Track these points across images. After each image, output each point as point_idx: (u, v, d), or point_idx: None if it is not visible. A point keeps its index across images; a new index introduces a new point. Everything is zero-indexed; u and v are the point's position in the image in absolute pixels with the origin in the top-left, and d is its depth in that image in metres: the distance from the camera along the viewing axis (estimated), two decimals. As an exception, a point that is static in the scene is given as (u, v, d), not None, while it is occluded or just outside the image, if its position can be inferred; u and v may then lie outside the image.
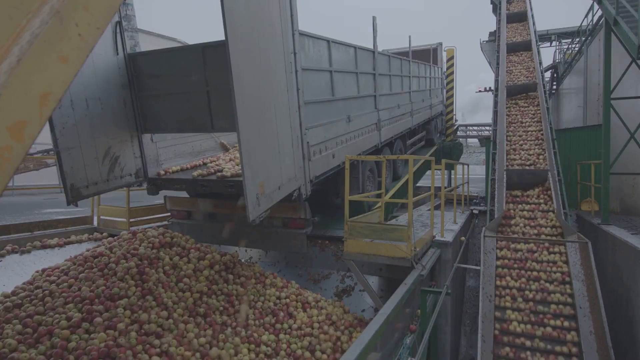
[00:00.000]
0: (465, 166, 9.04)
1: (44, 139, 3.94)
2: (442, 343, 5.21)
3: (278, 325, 4.17)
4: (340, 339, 4.17)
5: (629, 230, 6.18)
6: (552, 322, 4.62)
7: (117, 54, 4.83)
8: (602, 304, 4.50)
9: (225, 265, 4.77)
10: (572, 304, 4.73)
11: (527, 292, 5.00)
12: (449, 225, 6.40)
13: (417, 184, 10.87)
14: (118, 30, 4.81)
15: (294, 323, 4.24)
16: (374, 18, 7.06)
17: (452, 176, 9.08)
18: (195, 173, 5.12)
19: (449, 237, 5.47)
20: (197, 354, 3.44)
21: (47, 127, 3.98)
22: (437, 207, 7.62)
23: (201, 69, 4.62)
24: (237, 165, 5.37)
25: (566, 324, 4.57)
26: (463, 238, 6.66)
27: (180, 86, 4.83)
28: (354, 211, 4.86)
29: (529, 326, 4.63)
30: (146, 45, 5.35)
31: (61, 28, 1.19)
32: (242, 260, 5.35)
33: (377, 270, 5.05)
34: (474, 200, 9.91)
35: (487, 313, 4.82)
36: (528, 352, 4.41)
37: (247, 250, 6.22)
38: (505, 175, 6.94)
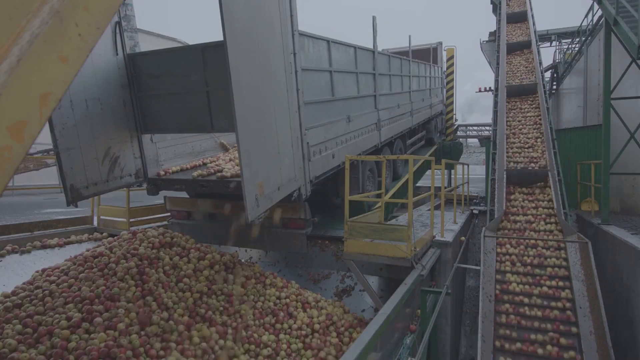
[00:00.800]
0: (465, 166, 9.05)
1: (44, 139, 3.93)
2: (442, 343, 5.21)
3: (278, 325, 4.16)
4: (342, 341, 4.18)
5: (629, 230, 6.18)
6: (547, 282, 5.00)
7: (117, 54, 4.83)
8: (602, 304, 4.50)
9: (225, 265, 4.77)
10: (567, 266, 5.09)
11: (525, 258, 5.42)
12: (449, 225, 6.40)
13: (417, 184, 10.87)
14: (118, 30, 4.81)
15: (294, 323, 4.24)
16: (373, 18, 7.06)
17: (452, 176, 9.08)
18: (195, 173, 5.12)
19: (449, 237, 5.47)
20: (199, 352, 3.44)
21: (46, 127, 3.98)
22: (437, 207, 7.62)
23: (201, 69, 4.62)
24: (237, 165, 5.36)
25: (560, 283, 4.93)
26: (463, 238, 6.66)
27: (180, 86, 4.83)
28: (354, 211, 4.86)
29: (527, 286, 5.02)
30: (146, 45, 5.35)
31: (61, 28, 1.19)
32: (242, 260, 5.35)
33: (377, 270, 5.05)
34: (474, 200, 9.91)
35: (487, 313, 4.82)
36: (526, 307, 4.80)
37: (247, 250, 6.22)
38: (505, 175, 6.94)
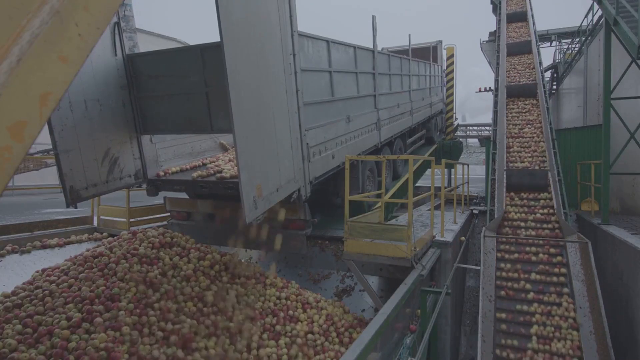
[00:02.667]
0: (465, 166, 9.05)
1: (44, 139, 3.93)
2: (442, 343, 5.21)
3: (278, 327, 4.14)
4: (342, 341, 4.18)
5: (629, 230, 6.18)
6: (547, 282, 5.12)
7: (116, 55, 4.82)
8: (602, 304, 4.50)
9: (225, 265, 4.76)
10: (567, 266, 5.19)
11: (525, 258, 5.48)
12: (449, 225, 6.40)
13: (417, 184, 10.87)
14: (116, 31, 4.80)
15: (295, 328, 4.20)
16: (373, 17, 7.05)
17: (452, 176, 9.08)
18: (194, 174, 5.12)
19: (449, 237, 5.47)
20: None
21: (46, 127, 3.98)
22: (437, 207, 7.62)
23: (200, 70, 4.61)
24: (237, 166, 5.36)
25: (561, 283, 5.05)
26: (463, 238, 6.66)
27: (179, 87, 4.82)
28: (354, 211, 4.86)
29: (526, 286, 5.13)
30: (146, 45, 5.35)
31: (61, 28, 1.19)
32: (242, 260, 5.35)
33: (377, 270, 5.05)
34: (474, 200, 9.91)
35: (487, 313, 4.82)
36: (522, 229, 5.69)
37: (247, 250, 6.22)
38: (505, 175, 6.94)
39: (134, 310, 3.62)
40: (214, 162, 6.00)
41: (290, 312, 4.39)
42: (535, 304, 4.86)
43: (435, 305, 4.28)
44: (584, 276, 4.93)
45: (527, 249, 5.60)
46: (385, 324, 3.14)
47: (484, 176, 10.18)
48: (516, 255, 5.55)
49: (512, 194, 6.78)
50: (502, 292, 5.10)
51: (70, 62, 1.22)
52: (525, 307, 4.85)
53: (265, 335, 3.97)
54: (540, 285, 5.09)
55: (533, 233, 5.90)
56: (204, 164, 5.89)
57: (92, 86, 4.52)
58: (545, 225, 6.00)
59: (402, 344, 3.82)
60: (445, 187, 10.62)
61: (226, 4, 3.05)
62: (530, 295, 4.98)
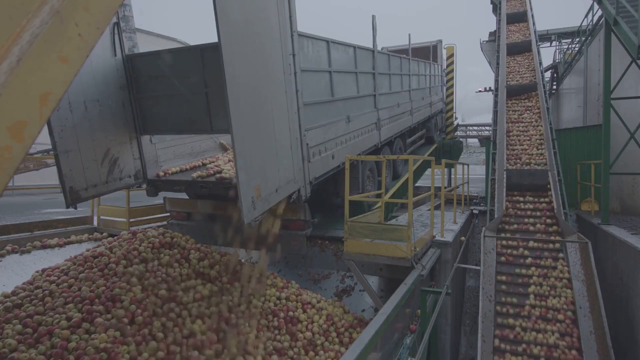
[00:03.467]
0: (465, 166, 9.05)
1: (44, 139, 3.93)
2: (442, 343, 5.21)
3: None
4: (342, 341, 4.17)
5: (629, 230, 6.18)
6: (547, 282, 5.14)
7: (115, 55, 4.81)
8: (602, 304, 4.50)
9: (225, 265, 4.77)
10: (567, 266, 5.21)
11: (524, 258, 5.53)
12: (449, 225, 6.40)
13: (417, 184, 10.86)
14: (116, 31, 4.80)
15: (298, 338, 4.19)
16: (373, 17, 7.05)
17: (452, 176, 9.07)
18: (194, 174, 5.11)
19: (449, 237, 5.47)
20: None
21: (46, 128, 3.98)
22: (437, 207, 7.62)
23: (200, 70, 4.60)
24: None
25: (560, 283, 5.07)
26: (463, 238, 6.66)
27: (179, 87, 4.81)
28: (354, 211, 4.86)
29: (526, 286, 5.18)
30: (146, 45, 5.34)
31: (61, 28, 1.19)
32: (242, 260, 5.35)
33: (377, 270, 5.05)
34: (474, 200, 9.91)
35: (487, 313, 4.82)
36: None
37: (247, 250, 6.21)
38: (505, 175, 6.94)
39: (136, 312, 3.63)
40: (214, 162, 6.00)
41: (290, 312, 4.39)
42: (533, 268, 5.22)
43: (435, 305, 4.28)
44: (584, 276, 4.93)
45: (527, 250, 5.60)
46: (385, 324, 3.14)
47: (484, 176, 10.18)
48: (516, 255, 5.56)
49: (512, 194, 6.79)
50: (502, 258, 5.46)
51: (70, 62, 1.22)
52: (524, 308, 4.86)
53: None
54: (537, 251, 5.50)
55: (533, 234, 5.90)
56: (204, 164, 5.89)
57: (92, 87, 4.52)
58: (545, 224, 6.00)
59: (402, 344, 3.82)
60: (445, 187, 10.62)
61: (224, 5, 3.04)
62: (529, 260, 5.34)
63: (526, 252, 5.56)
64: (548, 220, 6.09)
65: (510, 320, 4.74)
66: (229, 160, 5.95)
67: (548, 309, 4.78)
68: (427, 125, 11.82)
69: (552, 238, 5.72)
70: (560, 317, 4.66)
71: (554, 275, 5.15)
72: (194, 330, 3.65)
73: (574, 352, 4.32)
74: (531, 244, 5.64)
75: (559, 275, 5.15)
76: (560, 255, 5.35)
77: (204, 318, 3.87)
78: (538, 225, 6.03)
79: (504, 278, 5.14)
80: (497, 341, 4.57)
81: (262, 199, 3.57)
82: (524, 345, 4.48)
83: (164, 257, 4.49)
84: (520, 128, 8.23)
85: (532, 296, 4.95)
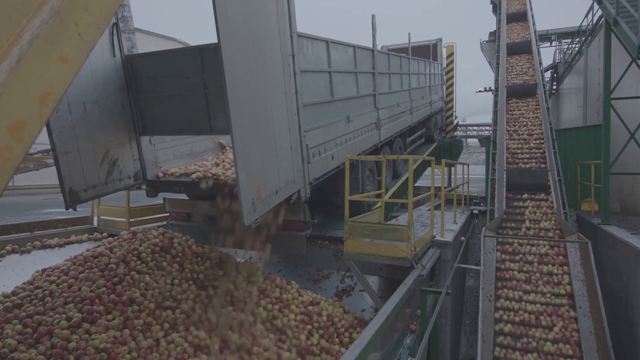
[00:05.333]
0: (465, 166, 9.05)
1: (44, 139, 3.93)
2: (442, 343, 5.21)
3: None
4: (342, 341, 4.17)
5: (629, 230, 6.18)
6: (547, 282, 5.17)
7: (114, 56, 4.80)
8: (602, 304, 4.50)
9: (225, 266, 4.76)
10: (567, 266, 5.22)
11: (525, 257, 5.57)
12: (449, 225, 6.40)
13: (417, 184, 10.85)
14: (115, 31, 4.79)
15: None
16: (373, 16, 7.04)
17: (452, 175, 9.07)
18: (194, 175, 5.10)
19: (449, 237, 5.47)
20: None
21: (45, 128, 3.98)
22: (437, 207, 7.61)
23: (199, 71, 4.60)
24: (225, 170, 5.33)
25: (560, 283, 5.08)
26: (463, 238, 6.66)
27: (178, 88, 4.81)
28: (354, 211, 4.86)
29: (526, 286, 5.18)
30: (145, 45, 5.34)
31: (61, 28, 1.19)
32: (243, 261, 5.35)
33: (377, 270, 5.05)
34: (474, 200, 9.90)
35: (487, 313, 4.82)
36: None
37: (247, 250, 6.21)
38: (505, 175, 6.94)
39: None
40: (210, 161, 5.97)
41: (292, 315, 4.39)
42: (533, 268, 5.23)
43: (435, 305, 4.28)
44: (584, 276, 4.93)
45: (527, 250, 5.61)
46: (385, 324, 3.14)
47: (484, 176, 10.17)
48: (516, 255, 5.55)
49: (512, 194, 6.79)
50: (502, 258, 5.51)
51: (70, 62, 1.22)
52: (525, 308, 4.86)
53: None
54: (537, 251, 5.51)
55: (533, 234, 5.90)
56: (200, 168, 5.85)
57: (91, 87, 4.51)
58: (545, 224, 6.00)
59: (402, 344, 3.82)
60: (445, 187, 10.62)
61: (223, 5, 3.04)
62: (529, 259, 5.41)
63: (526, 252, 5.57)
64: (548, 221, 6.09)
65: (511, 320, 4.74)
66: (222, 161, 5.90)
67: (548, 308, 4.78)
68: (427, 124, 11.81)
69: (552, 238, 5.72)
70: (560, 317, 4.67)
71: (554, 276, 5.15)
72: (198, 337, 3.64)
73: (574, 352, 4.33)
74: (531, 244, 5.64)
75: (559, 275, 5.14)
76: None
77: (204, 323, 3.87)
78: (538, 226, 6.03)
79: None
80: (497, 341, 4.58)
81: (262, 200, 3.57)
82: (524, 345, 4.48)
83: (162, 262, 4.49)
84: (521, 128, 8.23)
85: (532, 296, 4.95)
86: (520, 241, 5.73)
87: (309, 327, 4.25)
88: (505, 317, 4.81)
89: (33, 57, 1.11)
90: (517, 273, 5.31)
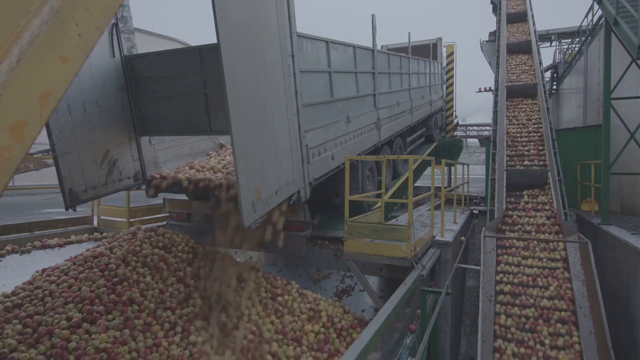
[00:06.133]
0: (465, 166, 9.04)
1: (44, 139, 3.93)
2: (442, 343, 5.21)
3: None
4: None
5: (629, 230, 6.18)
6: (547, 282, 5.15)
7: (114, 56, 4.80)
8: (602, 304, 4.50)
9: (224, 266, 4.76)
10: (567, 266, 5.21)
11: (525, 258, 5.56)
12: (449, 225, 6.40)
13: (417, 184, 10.85)
14: (114, 32, 4.78)
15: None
16: (373, 16, 7.04)
17: (452, 175, 9.07)
18: (183, 176, 5.07)
19: (449, 237, 5.47)
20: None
21: (45, 129, 3.97)
22: (437, 207, 7.61)
23: (199, 71, 4.59)
24: (216, 172, 5.31)
25: (560, 283, 5.08)
26: (463, 238, 6.66)
27: (178, 88, 4.80)
28: (354, 211, 4.86)
29: (526, 287, 5.17)
30: (145, 45, 5.33)
31: (61, 28, 1.19)
32: (243, 261, 5.35)
33: (377, 270, 5.05)
34: (474, 200, 9.90)
35: (487, 313, 4.82)
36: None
37: (247, 250, 6.20)
38: (505, 175, 6.94)
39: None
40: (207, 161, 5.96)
41: (292, 316, 4.39)
42: (533, 268, 5.31)
43: (435, 305, 4.28)
44: (584, 276, 4.93)
45: (527, 250, 5.60)
46: (385, 324, 3.14)
47: (484, 176, 10.18)
48: (516, 255, 5.55)
49: (512, 194, 6.80)
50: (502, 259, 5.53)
51: (70, 62, 1.22)
52: (525, 309, 4.87)
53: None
54: (537, 251, 5.52)
55: (533, 234, 5.90)
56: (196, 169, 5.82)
57: (91, 88, 4.50)
58: (545, 224, 6.00)
59: (402, 344, 3.82)
60: (445, 187, 10.61)
61: (223, 6, 3.03)
62: (528, 260, 5.37)
63: (526, 252, 5.56)
64: (548, 221, 6.09)
65: (510, 321, 4.75)
66: (218, 162, 5.88)
67: (548, 309, 4.78)
68: (427, 123, 11.80)
69: (552, 238, 5.72)
70: (555, 278, 4.90)
71: (554, 276, 5.15)
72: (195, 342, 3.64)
73: (567, 306, 4.60)
74: (531, 244, 5.64)
75: (558, 275, 5.15)
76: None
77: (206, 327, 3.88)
78: (538, 226, 6.03)
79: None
80: (497, 341, 4.58)
81: (262, 201, 3.56)
82: (522, 301, 4.70)
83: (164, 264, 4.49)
84: (520, 128, 8.23)
85: (531, 296, 4.96)
86: (520, 241, 5.73)
87: (309, 327, 4.25)
88: (505, 279, 5.19)
89: (33, 57, 1.11)
90: (516, 242, 5.68)
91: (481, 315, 4.79)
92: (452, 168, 9.87)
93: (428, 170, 11.00)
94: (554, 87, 15.96)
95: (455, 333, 6.13)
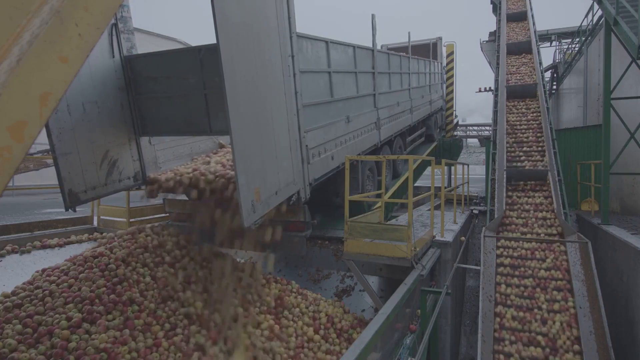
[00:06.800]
0: (465, 166, 9.04)
1: (44, 139, 3.92)
2: (442, 343, 5.21)
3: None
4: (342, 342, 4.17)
5: (629, 230, 6.18)
6: (547, 282, 5.13)
7: (114, 56, 4.79)
8: (602, 304, 4.50)
9: (224, 267, 4.76)
10: (567, 266, 5.22)
11: (524, 259, 5.61)
12: (449, 225, 6.40)
13: (417, 184, 10.84)
14: (114, 32, 4.78)
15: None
16: (372, 16, 7.04)
17: (452, 175, 9.07)
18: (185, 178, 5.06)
19: (449, 237, 5.47)
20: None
21: (44, 129, 3.97)
22: (437, 207, 7.61)
23: (198, 72, 4.59)
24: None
25: (560, 283, 5.05)
26: (463, 238, 6.66)
27: (177, 89, 4.80)
28: (354, 211, 4.86)
29: (527, 287, 5.18)
30: (145, 45, 5.33)
31: (61, 28, 1.19)
32: (242, 261, 5.35)
33: (377, 270, 5.05)
34: (474, 200, 9.90)
35: (487, 313, 4.82)
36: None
37: (247, 250, 6.20)
38: (505, 175, 6.94)
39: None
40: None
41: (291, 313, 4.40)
42: (535, 305, 4.97)
43: (435, 305, 4.28)
44: (584, 276, 4.93)
45: (527, 251, 5.61)
46: (385, 324, 3.14)
47: (484, 176, 10.18)
48: (516, 255, 5.55)
49: (512, 194, 6.80)
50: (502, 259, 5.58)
51: (70, 62, 1.22)
52: (524, 309, 4.88)
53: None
54: (537, 251, 5.59)
55: (533, 234, 5.90)
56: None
57: (90, 88, 4.49)
58: (546, 224, 6.00)
59: (402, 344, 3.82)
60: (445, 187, 10.61)
61: (222, 6, 3.03)
62: (528, 261, 5.41)
63: (526, 253, 5.56)
64: (548, 221, 6.09)
65: (510, 290, 4.92)
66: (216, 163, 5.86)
67: (545, 279, 4.87)
68: (427, 123, 11.80)
69: (552, 238, 5.72)
70: (552, 251, 5.04)
71: (554, 276, 5.15)
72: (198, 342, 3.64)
73: (563, 275, 4.78)
74: (531, 244, 5.63)
75: (558, 275, 5.15)
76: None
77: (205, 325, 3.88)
78: (538, 226, 6.03)
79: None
80: (497, 307, 4.66)
81: (262, 201, 3.55)
82: (521, 272, 4.84)
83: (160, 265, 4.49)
84: (520, 128, 8.23)
85: (531, 296, 4.96)
86: (520, 241, 5.73)
87: (309, 327, 4.25)
88: (505, 253, 5.49)
89: (33, 57, 1.11)
90: (516, 219, 6.01)
91: (481, 315, 4.79)
92: (452, 168, 9.87)
93: (428, 170, 11.00)
94: (554, 87, 15.96)
95: (455, 333, 6.13)
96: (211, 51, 4.42)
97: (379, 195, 6.07)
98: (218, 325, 3.86)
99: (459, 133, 28.63)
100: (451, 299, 5.14)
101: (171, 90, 4.87)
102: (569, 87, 13.89)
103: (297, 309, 4.49)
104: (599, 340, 4.27)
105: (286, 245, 5.21)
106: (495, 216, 6.34)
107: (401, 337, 3.94)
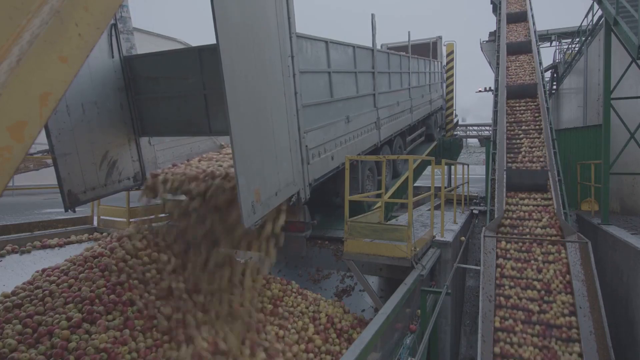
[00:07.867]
0: (465, 166, 9.04)
1: (45, 139, 3.92)
2: (442, 343, 5.21)
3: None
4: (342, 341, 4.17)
5: (629, 230, 6.18)
6: (547, 282, 5.19)
7: (113, 56, 4.79)
8: (602, 304, 4.50)
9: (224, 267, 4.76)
10: (567, 267, 5.30)
11: (525, 258, 5.69)
12: (449, 225, 6.40)
13: (417, 184, 10.84)
14: (113, 32, 4.77)
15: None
16: (372, 15, 7.03)
17: (452, 175, 9.07)
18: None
19: (449, 237, 5.47)
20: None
21: (44, 130, 3.97)
22: (437, 207, 7.61)
23: (198, 72, 4.58)
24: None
25: (560, 284, 5.13)
26: (463, 238, 6.66)
27: (177, 89, 4.79)
28: (354, 211, 4.86)
29: (526, 287, 5.29)
30: (145, 45, 5.34)
31: (61, 28, 1.19)
32: (242, 261, 5.34)
33: (377, 270, 5.05)
34: (474, 200, 9.90)
35: (487, 313, 4.82)
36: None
37: (247, 251, 6.20)
38: (505, 175, 6.94)
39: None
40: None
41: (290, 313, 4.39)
42: (533, 268, 5.36)
43: (435, 305, 4.28)
44: (584, 276, 4.93)
45: (527, 251, 5.61)
46: (385, 324, 3.14)
47: (484, 176, 10.18)
48: (516, 255, 5.56)
49: (512, 193, 6.79)
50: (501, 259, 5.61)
51: (70, 62, 1.23)
52: (525, 309, 4.87)
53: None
54: (537, 251, 5.65)
55: (533, 234, 5.90)
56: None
57: (90, 89, 4.49)
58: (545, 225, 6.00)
59: (402, 344, 3.82)
60: (445, 187, 10.61)
61: (222, 6, 3.03)
62: (529, 261, 5.45)
63: (526, 252, 5.56)
64: (548, 221, 6.09)
65: (509, 246, 5.12)
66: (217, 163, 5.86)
67: (541, 235, 4.91)
68: (427, 122, 11.79)
69: (552, 238, 5.72)
70: (548, 213, 5.19)
71: (554, 276, 5.15)
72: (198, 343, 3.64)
73: (557, 232, 4.98)
74: (531, 244, 5.64)
75: (558, 275, 5.15)
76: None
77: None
78: (538, 226, 6.03)
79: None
80: (497, 342, 4.58)
81: (262, 202, 3.54)
82: (519, 231, 4.99)
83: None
84: (520, 128, 8.23)
85: (531, 296, 4.96)
86: (520, 241, 5.73)
87: (309, 327, 4.25)
88: (505, 254, 5.63)
89: (33, 57, 1.11)
90: (516, 219, 6.13)
91: (481, 315, 4.79)
92: (452, 168, 9.87)
93: (428, 170, 11.00)
94: (554, 87, 15.96)
95: (455, 333, 6.13)
96: (211, 51, 4.42)
97: (379, 195, 6.07)
98: (218, 326, 3.87)
99: (459, 133, 28.61)
100: (451, 299, 5.14)
101: (171, 90, 4.86)
102: (569, 87, 13.90)
103: (297, 309, 4.48)
104: (599, 340, 4.27)
105: (286, 245, 5.21)
106: (495, 216, 6.34)
107: (401, 337, 3.94)
